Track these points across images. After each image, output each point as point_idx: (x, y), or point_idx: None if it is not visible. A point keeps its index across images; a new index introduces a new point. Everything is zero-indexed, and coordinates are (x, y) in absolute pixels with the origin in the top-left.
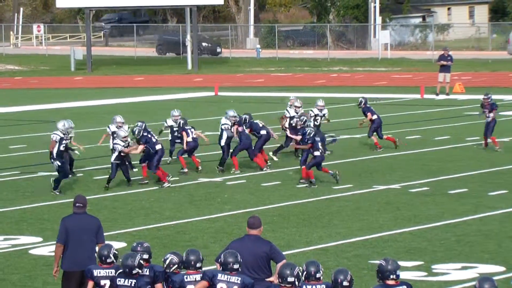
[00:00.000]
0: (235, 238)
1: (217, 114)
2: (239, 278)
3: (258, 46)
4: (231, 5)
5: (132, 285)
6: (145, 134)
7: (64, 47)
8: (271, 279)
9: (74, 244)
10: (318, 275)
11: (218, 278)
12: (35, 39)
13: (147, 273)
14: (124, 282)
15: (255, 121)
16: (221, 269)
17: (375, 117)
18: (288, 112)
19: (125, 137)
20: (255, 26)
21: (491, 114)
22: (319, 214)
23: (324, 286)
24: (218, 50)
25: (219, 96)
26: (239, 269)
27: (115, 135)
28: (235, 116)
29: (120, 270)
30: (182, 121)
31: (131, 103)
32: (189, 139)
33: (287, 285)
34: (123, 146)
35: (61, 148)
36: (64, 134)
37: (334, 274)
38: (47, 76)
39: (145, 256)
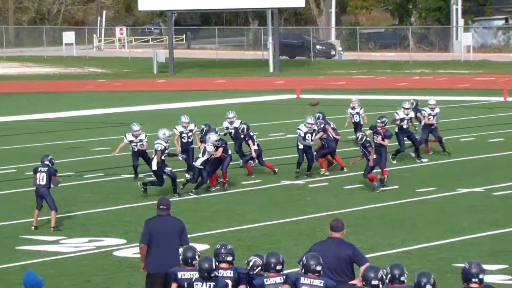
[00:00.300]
0: (317, 241)
1: (299, 117)
2: (322, 281)
3: (340, 48)
4: (312, 8)
5: (211, 287)
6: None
7: (147, 50)
8: (354, 282)
9: (158, 246)
10: (402, 278)
11: (301, 281)
12: (118, 42)
13: (231, 274)
14: (202, 286)
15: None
16: (303, 271)
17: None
18: (397, 114)
19: (217, 140)
20: (337, 29)
21: None
22: (402, 217)
23: None
24: (332, 53)
25: (300, 99)
26: (321, 272)
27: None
28: (312, 124)
29: (197, 275)
30: (245, 126)
31: (213, 106)
32: (255, 146)
33: None
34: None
35: (163, 157)
36: (166, 142)
37: (417, 277)
38: (129, 78)
39: (229, 258)
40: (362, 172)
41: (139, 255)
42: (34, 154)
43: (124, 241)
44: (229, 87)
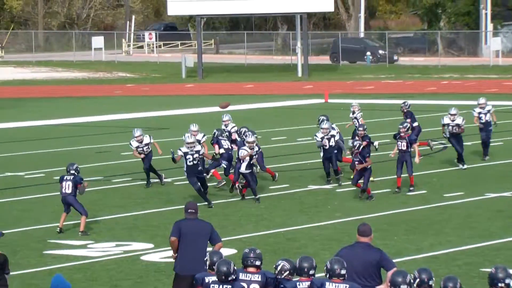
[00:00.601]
0: (345, 246)
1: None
2: (347, 286)
3: (368, 53)
4: (341, 13)
5: None
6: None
7: (175, 54)
8: (381, 286)
9: (186, 248)
10: (430, 282)
11: (326, 286)
12: (147, 47)
13: (259, 278)
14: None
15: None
16: (327, 276)
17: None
18: (443, 120)
19: (253, 142)
20: (366, 33)
21: None
22: (429, 222)
23: None
24: (395, 58)
25: (329, 103)
26: (345, 276)
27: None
28: (327, 128)
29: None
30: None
31: (241, 110)
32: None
33: None
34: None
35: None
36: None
37: (443, 282)
38: (158, 83)
39: (257, 263)
40: (391, 177)
41: (166, 260)
42: (63, 159)
43: (151, 245)
44: (258, 92)
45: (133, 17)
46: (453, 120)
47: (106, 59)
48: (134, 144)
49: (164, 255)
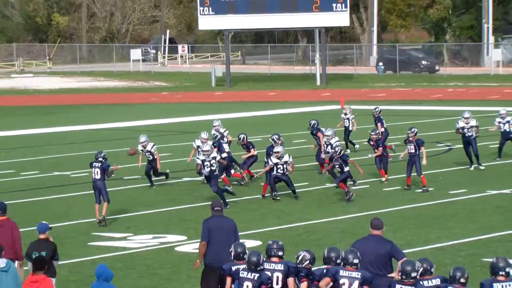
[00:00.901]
0: (359, 238)
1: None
2: (359, 273)
3: (381, 63)
4: (356, 27)
5: (255, 278)
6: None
7: (206, 65)
8: (392, 274)
9: (215, 242)
10: (432, 270)
11: (340, 274)
12: (180, 58)
13: (281, 267)
14: (247, 275)
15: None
16: (342, 264)
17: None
18: (458, 123)
19: (278, 152)
20: (378, 46)
21: None
22: (436, 216)
23: (438, 279)
24: (436, 68)
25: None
26: (359, 265)
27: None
28: (329, 135)
29: (244, 266)
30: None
31: (266, 116)
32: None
33: (410, 280)
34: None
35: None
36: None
37: (452, 271)
38: (190, 91)
39: (280, 253)
40: (401, 176)
41: (198, 250)
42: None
43: (185, 237)
44: (280, 99)
45: (168, 31)
46: (467, 123)
47: (143, 69)
48: (139, 147)
49: (196, 246)
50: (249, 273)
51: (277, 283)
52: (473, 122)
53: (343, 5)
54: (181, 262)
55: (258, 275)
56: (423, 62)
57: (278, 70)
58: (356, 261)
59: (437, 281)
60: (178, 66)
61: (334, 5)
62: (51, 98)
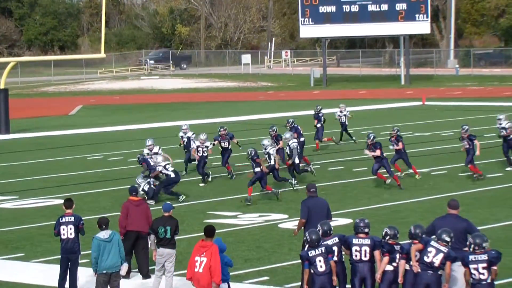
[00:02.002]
0: (438, 216)
1: (423, 119)
2: (447, 249)
3: (457, 65)
4: (436, 34)
5: (323, 251)
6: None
7: (306, 68)
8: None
9: (312, 219)
10: (484, 244)
11: (431, 243)
12: (284, 62)
13: (368, 242)
14: (315, 252)
15: None
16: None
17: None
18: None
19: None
20: (455, 50)
21: None
22: (506, 198)
23: (486, 255)
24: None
25: (426, 105)
26: (449, 243)
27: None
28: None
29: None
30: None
31: (358, 111)
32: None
33: (481, 250)
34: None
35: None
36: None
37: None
38: (292, 90)
39: (366, 230)
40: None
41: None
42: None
43: (286, 216)
44: (369, 97)
45: (273, 39)
46: (500, 124)
47: (252, 72)
48: (145, 151)
49: (297, 223)
50: (315, 250)
51: (365, 256)
52: (504, 123)
53: (425, 15)
54: (283, 237)
55: (324, 248)
56: None
57: (368, 71)
58: (447, 238)
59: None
60: (282, 69)
61: (417, 15)
62: (174, 96)
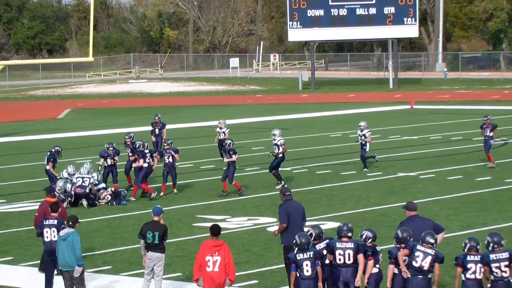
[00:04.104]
0: (402, 221)
1: (411, 123)
2: (433, 251)
3: (445, 69)
4: (424, 38)
5: (311, 256)
6: None
7: (294, 71)
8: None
9: (291, 224)
10: (502, 242)
11: (417, 248)
12: (272, 66)
13: (352, 245)
14: (303, 256)
15: None
16: (420, 242)
17: None
18: None
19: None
20: (443, 54)
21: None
22: (493, 201)
23: (507, 253)
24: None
25: (414, 109)
26: (434, 245)
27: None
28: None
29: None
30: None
31: (345, 115)
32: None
33: (500, 248)
34: None
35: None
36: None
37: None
38: (280, 94)
39: (349, 234)
40: (463, 166)
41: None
42: (207, 154)
43: (275, 219)
44: (358, 100)
45: (261, 42)
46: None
47: (240, 75)
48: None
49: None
50: (303, 253)
51: (349, 259)
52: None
53: (413, 19)
54: (272, 241)
55: (312, 252)
56: None
57: (356, 75)
58: (432, 241)
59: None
60: (270, 73)
61: (405, 19)
62: (162, 100)
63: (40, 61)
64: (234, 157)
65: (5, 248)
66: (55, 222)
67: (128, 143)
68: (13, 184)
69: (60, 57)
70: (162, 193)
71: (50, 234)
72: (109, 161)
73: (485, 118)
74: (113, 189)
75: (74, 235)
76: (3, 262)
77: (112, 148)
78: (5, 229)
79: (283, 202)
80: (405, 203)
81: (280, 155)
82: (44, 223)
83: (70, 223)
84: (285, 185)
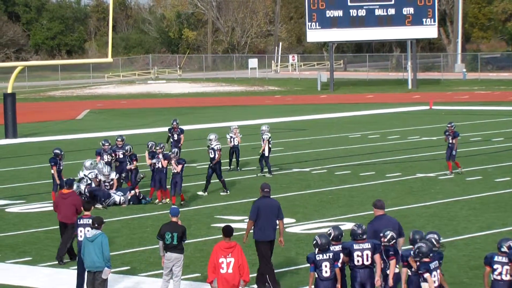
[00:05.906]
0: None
1: (431, 123)
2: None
3: (464, 70)
4: (443, 38)
5: (330, 257)
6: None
7: (313, 72)
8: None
9: (263, 220)
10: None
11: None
12: (290, 66)
13: (369, 246)
14: (323, 257)
15: None
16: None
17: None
18: None
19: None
20: (462, 54)
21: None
22: None
23: None
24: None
25: (433, 110)
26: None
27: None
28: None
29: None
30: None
31: (365, 115)
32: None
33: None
34: None
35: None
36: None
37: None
38: (299, 94)
39: (364, 236)
40: (481, 167)
41: (305, 231)
42: (224, 154)
43: (293, 220)
44: (377, 101)
45: (280, 43)
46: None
47: (259, 76)
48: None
49: (304, 228)
50: (323, 254)
51: (367, 260)
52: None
53: (432, 19)
54: (290, 242)
55: (332, 253)
56: None
57: (375, 76)
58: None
59: None
60: (289, 73)
61: (424, 19)
62: (181, 100)
63: (59, 62)
64: (178, 168)
65: (24, 249)
66: (90, 221)
67: (120, 145)
68: (32, 185)
69: (79, 57)
70: (157, 200)
71: (83, 234)
72: (105, 158)
73: (449, 125)
74: (136, 191)
75: (103, 237)
76: (22, 263)
77: (107, 144)
78: (24, 230)
79: (258, 198)
80: (373, 201)
81: (214, 161)
82: (79, 223)
83: (96, 224)
84: (228, 192)
